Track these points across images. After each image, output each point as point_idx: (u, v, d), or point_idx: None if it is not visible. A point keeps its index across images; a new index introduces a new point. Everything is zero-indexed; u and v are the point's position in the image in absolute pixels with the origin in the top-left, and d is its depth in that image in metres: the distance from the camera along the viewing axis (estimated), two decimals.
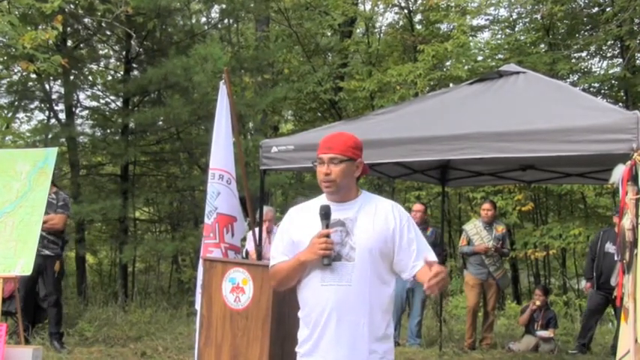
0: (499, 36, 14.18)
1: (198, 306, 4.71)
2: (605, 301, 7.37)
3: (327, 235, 2.53)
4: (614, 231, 7.31)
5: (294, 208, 2.79)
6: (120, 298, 10.14)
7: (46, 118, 12.48)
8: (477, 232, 7.60)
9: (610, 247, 7.28)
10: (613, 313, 7.68)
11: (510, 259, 12.56)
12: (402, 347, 7.33)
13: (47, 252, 6.52)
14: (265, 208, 6.26)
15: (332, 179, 2.58)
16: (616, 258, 3.98)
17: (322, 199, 2.69)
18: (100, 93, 11.95)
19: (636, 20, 11.84)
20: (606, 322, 9.12)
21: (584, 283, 8.33)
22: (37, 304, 7.01)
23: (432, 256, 2.63)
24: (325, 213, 2.57)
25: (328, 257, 2.53)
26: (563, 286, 13.75)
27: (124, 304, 9.68)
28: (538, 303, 7.83)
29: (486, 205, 7.66)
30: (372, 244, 2.56)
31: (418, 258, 2.60)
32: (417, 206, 7.73)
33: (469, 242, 7.65)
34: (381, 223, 2.60)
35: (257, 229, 5.63)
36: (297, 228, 2.68)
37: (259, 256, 5.36)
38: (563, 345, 7.98)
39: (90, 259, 14.87)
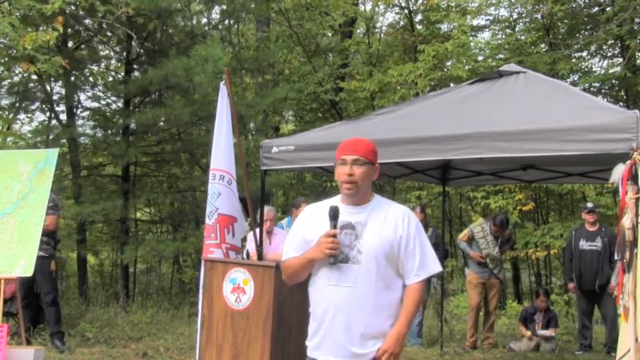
0: (499, 36, 14.21)
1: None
2: (592, 298, 7.43)
3: (335, 236, 2.59)
4: (585, 228, 7.41)
5: (311, 207, 2.86)
6: (121, 298, 10.14)
7: (47, 119, 12.50)
8: (483, 236, 7.60)
9: (584, 244, 7.35)
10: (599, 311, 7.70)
11: (511, 258, 12.59)
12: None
13: (41, 253, 6.46)
14: (266, 209, 6.26)
15: (354, 180, 2.64)
16: (616, 257, 3.98)
17: (336, 200, 2.75)
18: (100, 94, 11.98)
19: (636, 20, 11.84)
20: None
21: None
22: (38, 305, 7.04)
23: (436, 267, 2.72)
24: (334, 214, 2.63)
25: (334, 257, 2.60)
26: (564, 286, 13.72)
27: (126, 304, 9.68)
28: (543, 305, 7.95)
29: (499, 229, 7.54)
30: (378, 249, 2.62)
31: (421, 267, 2.67)
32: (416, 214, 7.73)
33: (471, 240, 7.66)
34: (389, 229, 2.65)
35: (258, 230, 5.63)
36: (311, 227, 2.73)
37: (260, 256, 5.36)
38: (564, 344, 7.99)
39: (91, 259, 14.91)
